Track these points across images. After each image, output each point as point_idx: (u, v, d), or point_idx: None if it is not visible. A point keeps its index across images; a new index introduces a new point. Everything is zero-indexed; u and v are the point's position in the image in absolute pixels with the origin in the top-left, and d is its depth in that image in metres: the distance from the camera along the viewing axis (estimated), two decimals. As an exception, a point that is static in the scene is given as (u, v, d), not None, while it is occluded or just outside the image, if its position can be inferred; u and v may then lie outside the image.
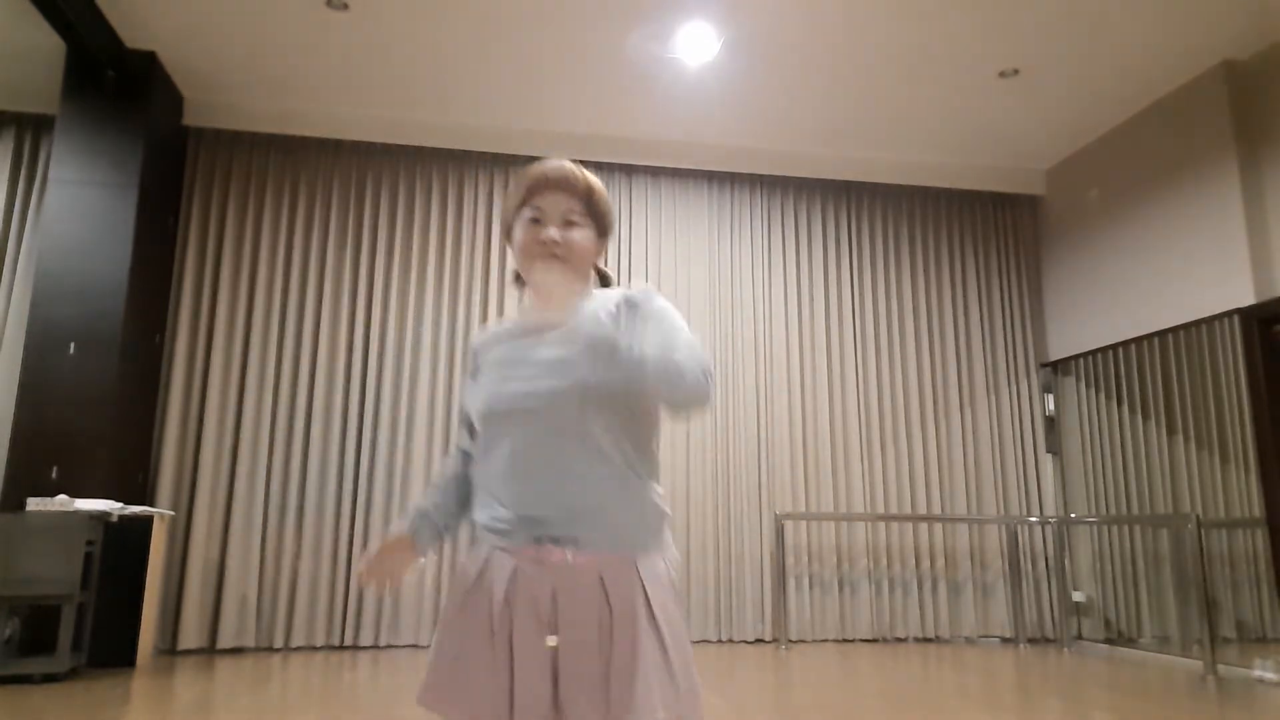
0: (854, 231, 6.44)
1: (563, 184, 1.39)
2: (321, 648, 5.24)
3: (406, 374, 5.61)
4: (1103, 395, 5.91)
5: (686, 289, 6.10)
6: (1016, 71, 5.19)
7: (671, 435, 5.84)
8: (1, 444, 5.04)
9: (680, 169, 6.23)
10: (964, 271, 6.51)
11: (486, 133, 5.92)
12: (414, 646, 5.30)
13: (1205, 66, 5.11)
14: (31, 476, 4.59)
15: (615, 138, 6.07)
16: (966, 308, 6.45)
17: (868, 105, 5.62)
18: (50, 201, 4.88)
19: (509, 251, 1.47)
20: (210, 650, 5.12)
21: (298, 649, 5.22)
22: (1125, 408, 5.70)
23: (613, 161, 6.11)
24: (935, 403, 6.23)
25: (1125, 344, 5.68)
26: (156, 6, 4.64)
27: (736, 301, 6.14)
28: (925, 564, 5.97)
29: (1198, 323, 5.13)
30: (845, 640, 5.77)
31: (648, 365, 1.21)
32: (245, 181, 5.71)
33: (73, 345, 4.74)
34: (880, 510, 6.00)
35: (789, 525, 5.84)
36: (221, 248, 5.59)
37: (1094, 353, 5.98)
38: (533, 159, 6.01)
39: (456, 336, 5.74)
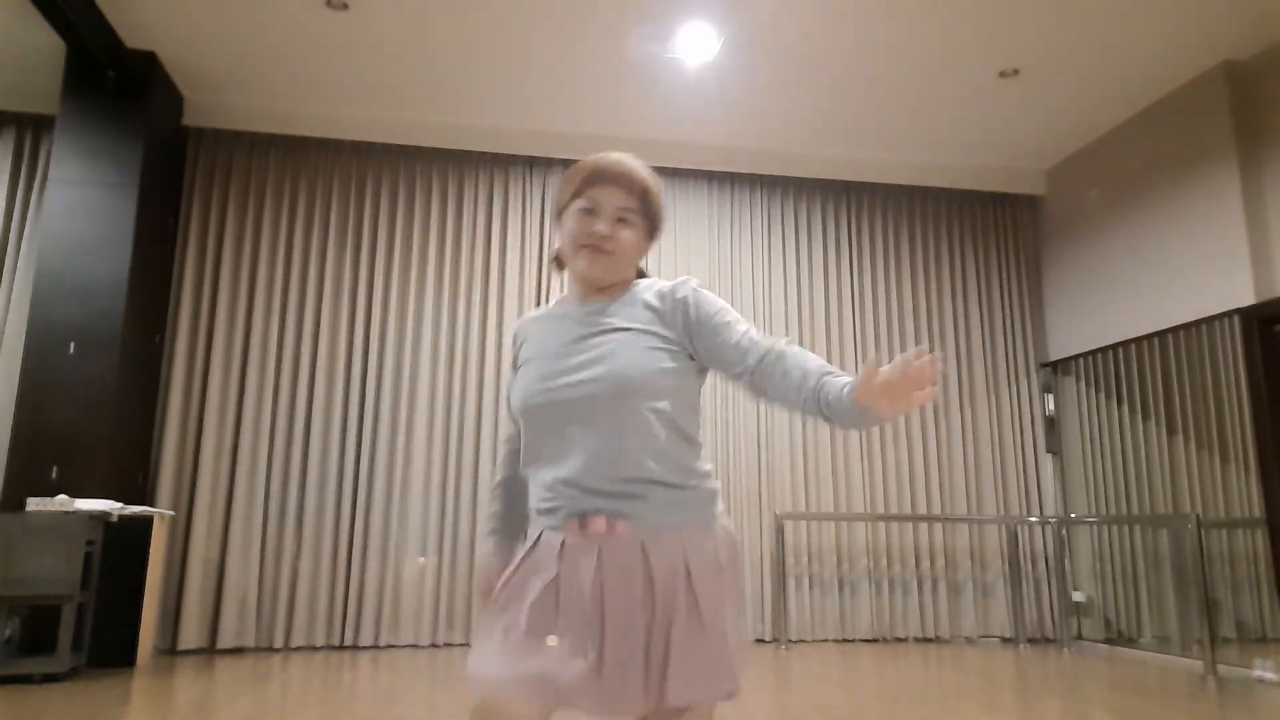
0: (854, 231, 6.44)
1: (620, 179, 1.39)
2: (321, 648, 5.24)
3: (406, 374, 5.61)
4: (1103, 395, 5.91)
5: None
6: (1016, 71, 5.19)
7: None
8: (1, 444, 5.04)
9: (680, 169, 6.23)
10: (964, 271, 6.51)
11: (486, 133, 5.92)
12: (414, 646, 5.30)
13: (1205, 66, 5.11)
14: (31, 476, 4.59)
15: (615, 138, 6.07)
16: (966, 308, 6.45)
17: (867, 105, 5.62)
18: (50, 201, 4.88)
19: (553, 236, 1.50)
20: (210, 650, 5.12)
21: (298, 649, 5.22)
22: (1125, 408, 5.70)
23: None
24: (935, 403, 6.23)
25: (1125, 344, 5.68)
26: (156, 6, 4.64)
27: (737, 301, 6.13)
28: (925, 564, 5.97)
29: (1198, 323, 5.13)
30: (845, 640, 5.77)
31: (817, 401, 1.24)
32: (245, 181, 5.71)
33: (73, 345, 4.74)
34: (880, 510, 6.00)
35: (789, 525, 5.84)
36: (221, 248, 5.59)
37: (1094, 353, 5.98)
38: (533, 159, 6.04)
39: (456, 336, 5.74)
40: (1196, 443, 5.16)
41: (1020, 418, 6.32)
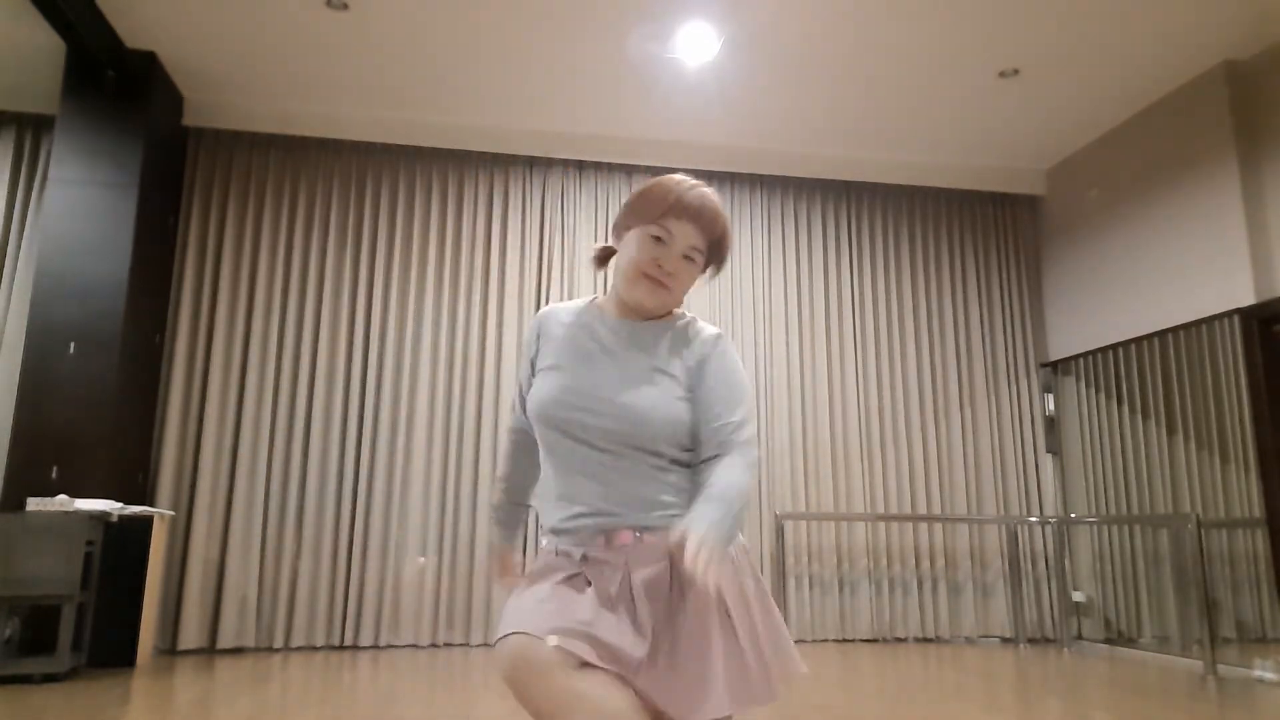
0: (854, 231, 6.44)
1: (700, 219, 1.38)
2: (321, 648, 5.24)
3: (406, 374, 5.61)
4: (1103, 395, 5.91)
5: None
6: (1016, 71, 5.19)
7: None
8: (1, 444, 5.03)
9: (680, 169, 6.20)
10: (964, 271, 6.51)
11: (486, 133, 5.92)
12: (414, 646, 5.30)
13: (1205, 66, 5.11)
14: (31, 476, 4.59)
15: (615, 138, 6.07)
16: (966, 308, 6.45)
17: (867, 105, 5.62)
18: (50, 201, 4.88)
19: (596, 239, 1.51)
20: (210, 650, 5.12)
21: (298, 649, 5.21)
22: (1125, 408, 5.70)
23: (613, 161, 6.11)
24: (935, 403, 6.23)
25: (1125, 344, 5.68)
26: (156, 6, 4.64)
27: (736, 301, 6.13)
28: (925, 564, 5.97)
29: (1198, 323, 5.13)
30: (845, 640, 5.77)
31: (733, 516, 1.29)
32: (245, 181, 5.71)
33: (73, 345, 4.74)
34: (880, 510, 6.00)
35: (789, 525, 5.84)
36: (221, 248, 5.59)
37: (1094, 353, 5.98)
38: (533, 159, 6.04)
39: (456, 336, 5.74)
40: (1196, 443, 5.16)
41: (1020, 418, 6.32)
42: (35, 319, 4.76)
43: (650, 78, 5.29)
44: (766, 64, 5.13)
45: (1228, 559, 4.92)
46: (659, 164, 6.13)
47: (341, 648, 5.25)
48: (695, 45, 4.92)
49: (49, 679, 4.09)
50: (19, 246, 5.45)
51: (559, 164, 6.10)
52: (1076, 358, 6.17)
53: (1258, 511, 4.73)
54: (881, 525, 5.99)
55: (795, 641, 5.73)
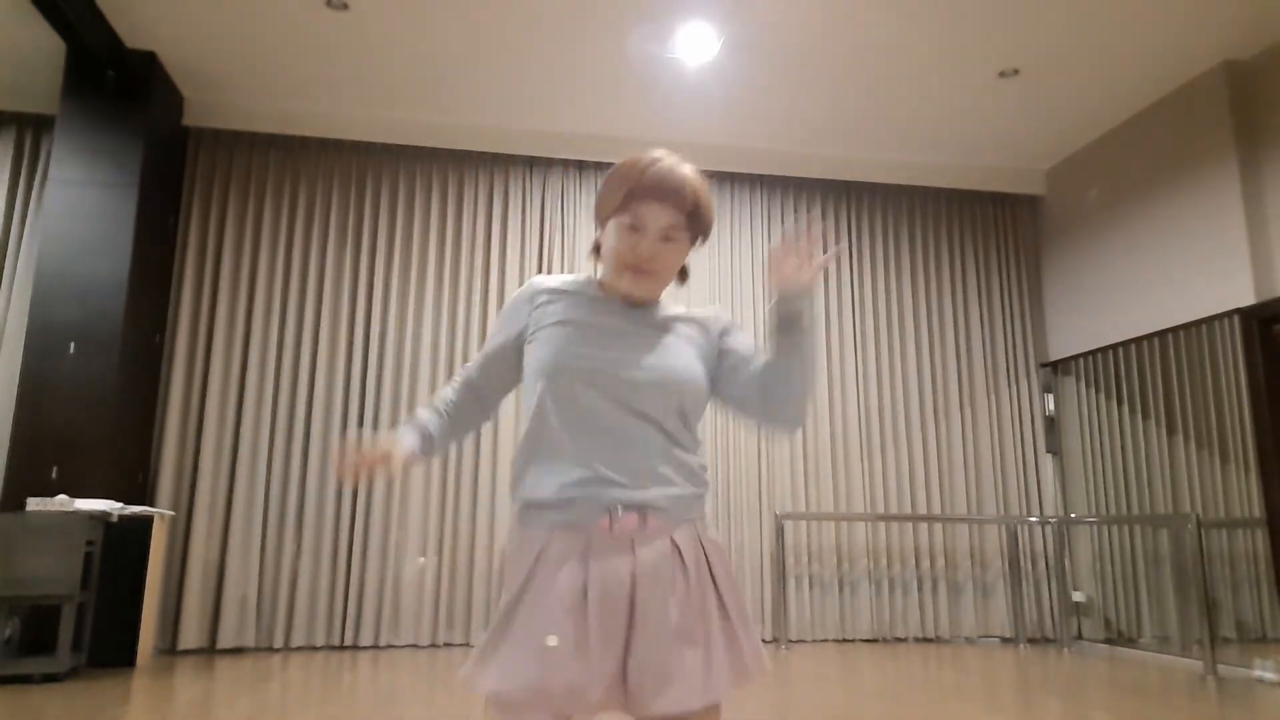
0: (854, 231, 6.44)
1: (667, 196, 1.35)
2: (321, 648, 5.24)
3: (406, 374, 5.61)
4: (1103, 395, 5.91)
5: (686, 289, 6.08)
6: (1016, 71, 5.19)
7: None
8: (1, 444, 5.04)
9: (680, 169, 6.21)
10: (964, 271, 6.51)
11: (486, 133, 5.92)
12: (414, 646, 5.30)
13: (1205, 66, 5.11)
14: (31, 476, 4.59)
15: (615, 138, 6.07)
16: (966, 308, 6.45)
17: (868, 105, 5.62)
18: (50, 201, 4.88)
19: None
20: (210, 650, 5.12)
21: (298, 649, 5.22)
22: (1125, 408, 5.70)
23: (613, 161, 6.08)
24: (935, 403, 6.23)
25: (1125, 344, 5.68)
26: (156, 6, 4.64)
27: (737, 302, 6.14)
28: (925, 564, 5.97)
29: (1198, 323, 5.13)
30: (845, 640, 5.77)
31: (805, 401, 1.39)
32: (245, 181, 5.71)
33: (73, 345, 4.74)
34: (880, 510, 6.00)
35: (789, 525, 5.84)
36: (221, 248, 5.59)
37: (1094, 353, 5.98)
38: (533, 159, 6.03)
39: (456, 336, 5.74)
40: (1196, 443, 5.16)
41: (1020, 418, 6.32)
42: (35, 319, 4.76)
43: (650, 78, 5.29)
44: (766, 64, 5.13)
45: (1228, 559, 4.92)
46: (659, 164, 6.11)
47: (341, 648, 5.25)
48: (695, 45, 4.92)
49: (49, 679, 4.10)
50: (19, 246, 5.45)
51: (559, 164, 6.10)
52: (1076, 358, 6.17)
53: (1258, 511, 4.73)
54: (881, 525, 5.99)
55: (795, 641, 5.75)
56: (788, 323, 1.34)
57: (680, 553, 1.30)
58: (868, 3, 4.54)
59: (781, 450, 5.95)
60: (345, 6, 4.61)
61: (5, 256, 5.42)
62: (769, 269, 1.34)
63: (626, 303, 1.41)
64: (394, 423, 5.53)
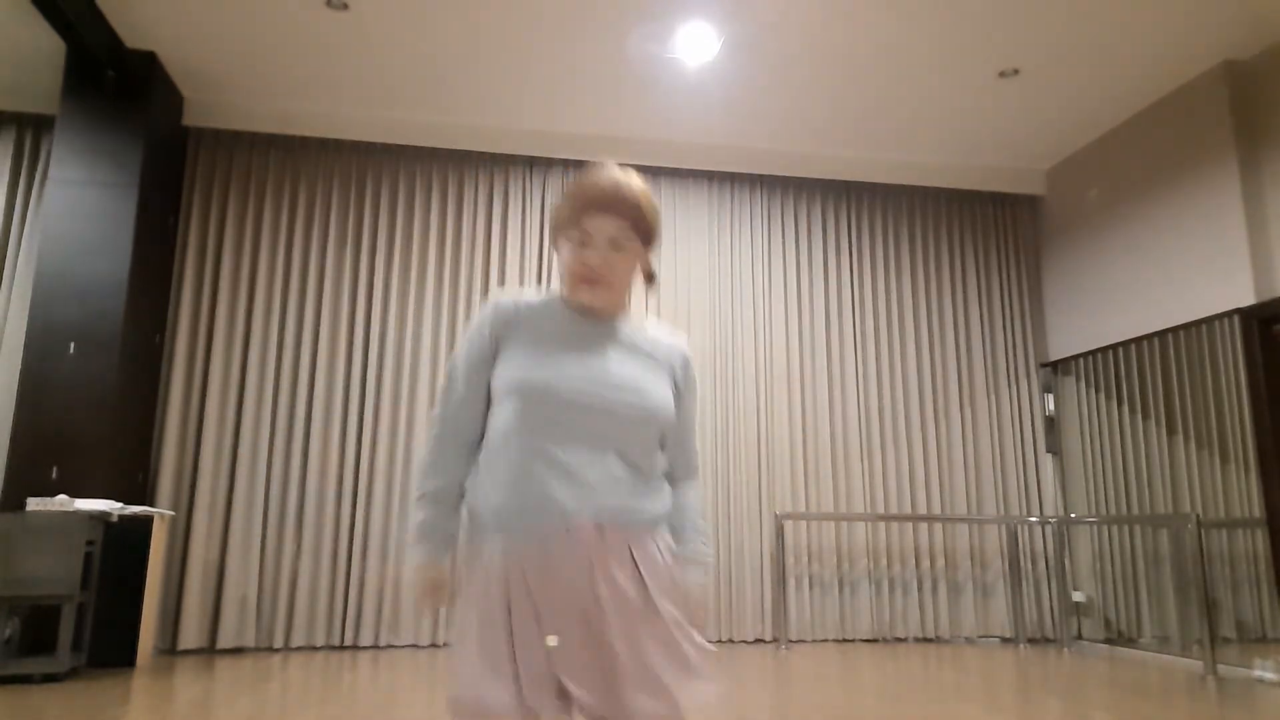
0: (854, 231, 6.44)
1: (611, 206, 1.38)
2: (321, 648, 5.24)
3: (406, 374, 5.61)
4: (1103, 395, 5.91)
5: (687, 289, 6.10)
6: (1016, 71, 5.19)
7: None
8: (1, 444, 5.04)
9: (680, 169, 6.23)
10: (964, 271, 6.51)
11: (486, 133, 5.92)
12: (414, 646, 5.30)
13: (1205, 66, 5.11)
14: (31, 476, 4.59)
15: (615, 138, 6.07)
16: (966, 308, 6.45)
17: (868, 105, 5.62)
18: (50, 201, 4.88)
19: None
20: (210, 650, 5.12)
21: (298, 649, 5.21)
22: (1125, 408, 5.70)
23: (613, 161, 6.09)
24: (935, 403, 6.23)
25: (1125, 344, 5.68)
26: (156, 6, 4.64)
27: (736, 301, 6.14)
28: (925, 564, 5.97)
29: (1198, 323, 5.13)
30: (845, 640, 5.77)
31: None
32: (245, 181, 5.71)
33: (73, 345, 4.74)
34: (880, 510, 6.00)
35: (789, 525, 5.84)
36: (221, 248, 5.59)
37: (1094, 353, 5.98)
38: (533, 159, 6.04)
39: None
40: (1196, 443, 5.16)
41: (1020, 418, 6.32)
42: (35, 319, 4.76)
43: (650, 78, 5.29)
44: (766, 64, 5.13)
45: (1228, 559, 4.92)
46: (659, 164, 6.13)
47: (341, 648, 5.25)
48: (695, 45, 4.92)
49: (49, 679, 4.10)
50: (19, 246, 5.46)
51: (559, 164, 6.10)
52: (1076, 358, 6.17)
53: (1258, 511, 4.73)
54: (881, 525, 5.99)
55: (795, 641, 5.74)
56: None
57: (636, 561, 1.32)
58: (868, 3, 4.54)
59: (781, 450, 5.95)
60: (345, 6, 4.61)
61: (5, 256, 5.42)
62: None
63: (591, 317, 1.43)
64: (394, 423, 5.54)
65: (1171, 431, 5.33)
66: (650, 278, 1.51)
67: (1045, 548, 6.11)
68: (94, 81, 4.99)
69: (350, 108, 5.74)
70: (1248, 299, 4.82)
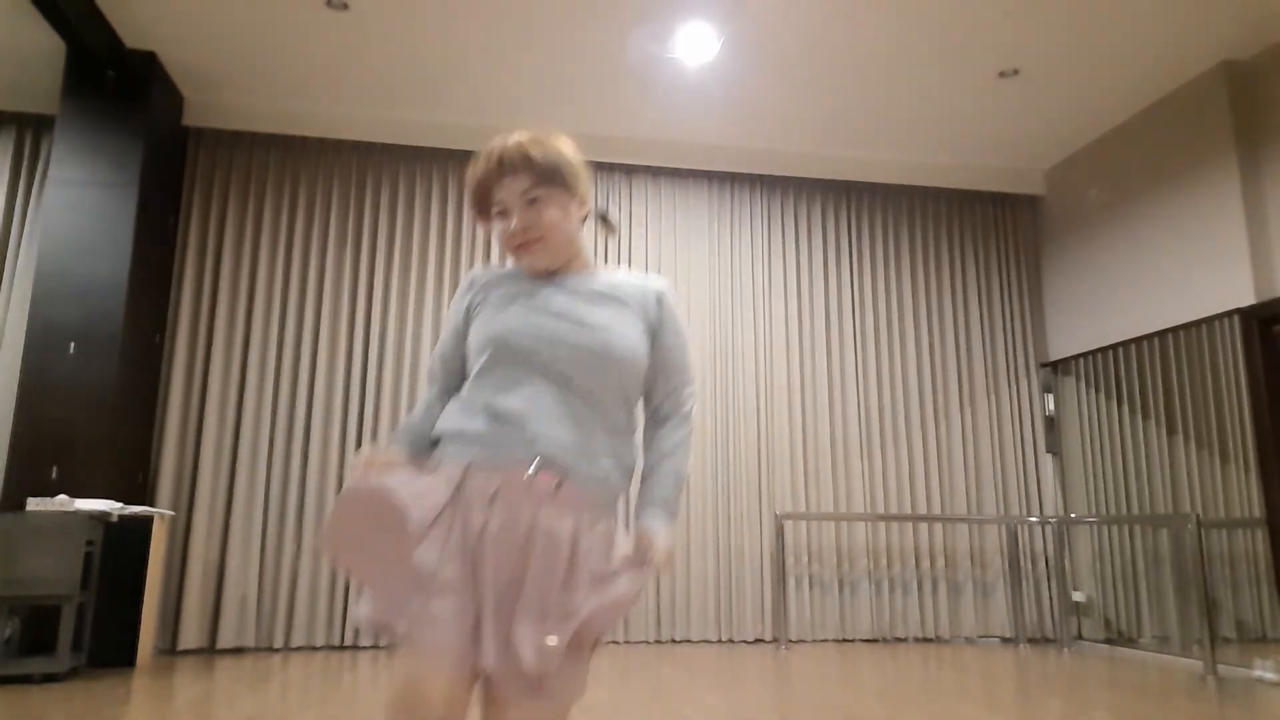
0: (854, 231, 6.44)
1: (508, 167, 1.38)
2: (321, 648, 5.24)
3: (406, 374, 5.61)
4: (1103, 395, 5.91)
5: (686, 289, 6.10)
6: (1016, 71, 5.19)
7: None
8: (1, 444, 5.03)
9: (680, 169, 6.23)
10: (964, 271, 6.51)
11: (486, 133, 5.86)
12: (414, 646, 5.29)
13: (1205, 66, 5.11)
14: (31, 476, 4.59)
15: (615, 138, 6.07)
16: (966, 308, 6.45)
17: (868, 105, 5.62)
18: (50, 201, 4.88)
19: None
20: (210, 650, 5.12)
21: (298, 649, 5.21)
22: (1125, 408, 5.70)
23: (613, 161, 6.11)
24: (935, 403, 6.23)
25: (1125, 344, 5.68)
26: (156, 6, 4.64)
27: (736, 301, 6.14)
28: (925, 564, 5.97)
29: (1198, 323, 5.13)
30: (845, 640, 5.77)
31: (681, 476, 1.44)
32: (245, 181, 5.71)
33: (73, 345, 4.74)
34: (880, 510, 6.00)
35: (789, 525, 5.84)
36: (221, 248, 5.59)
37: (1094, 353, 5.98)
38: (533, 159, 6.02)
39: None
40: (1196, 443, 5.16)
41: (1020, 418, 6.32)
42: (35, 319, 4.76)
43: (650, 78, 5.29)
44: (766, 64, 5.13)
45: (1228, 559, 4.92)
46: (659, 164, 6.13)
47: (341, 648, 5.25)
48: (695, 45, 4.92)
49: (49, 679, 4.10)
50: (19, 246, 5.46)
51: (559, 164, 6.09)
52: (1076, 358, 6.17)
53: (1258, 511, 4.73)
54: (881, 525, 5.99)
55: (795, 641, 5.74)
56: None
57: (578, 530, 1.29)
58: (868, 3, 4.54)
59: (781, 450, 5.95)
60: (345, 6, 4.61)
61: (5, 256, 5.42)
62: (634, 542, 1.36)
63: (553, 279, 1.43)
64: (394, 423, 5.54)
65: (1171, 431, 5.33)
66: (604, 221, 1.52)
67: (1045, 548, 6.11)
68: (94, 81, 4.99)
69: (350, 108, 5.74)
70: (1248, 299, 4.82)
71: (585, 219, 1.49)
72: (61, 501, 4.32)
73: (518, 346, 1.33)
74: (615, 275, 1.47)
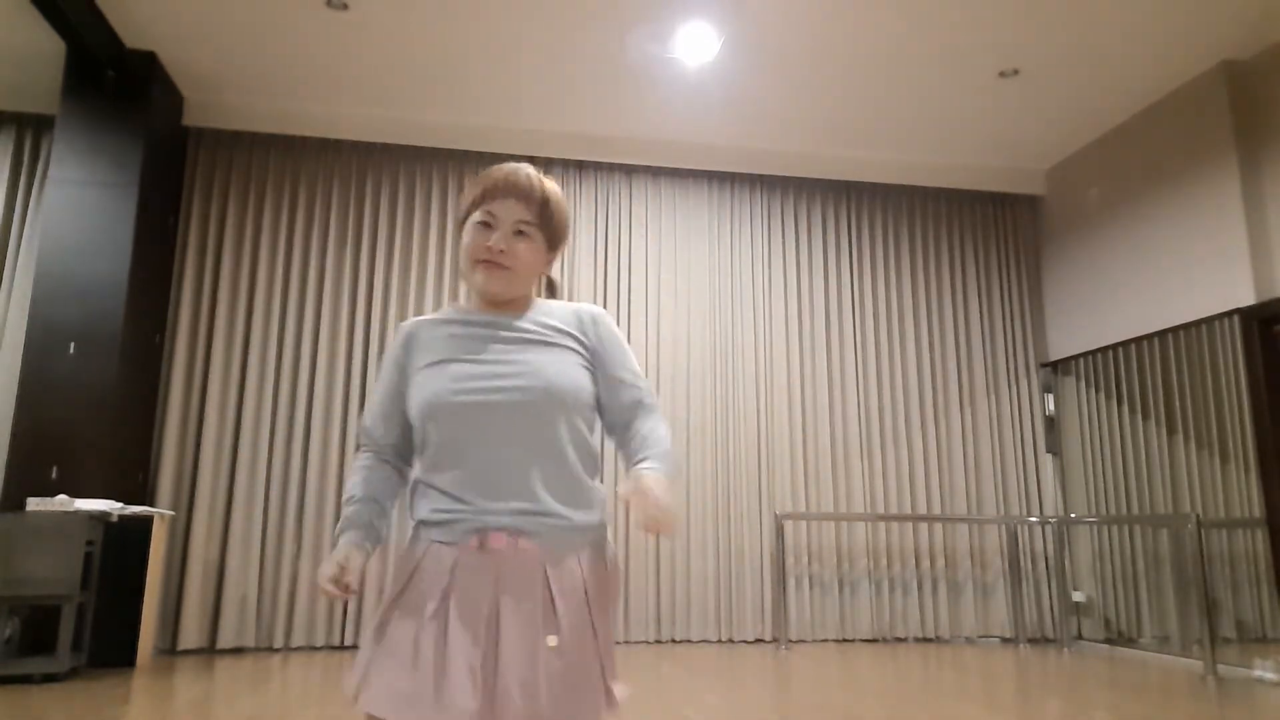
0: (854, 231, 6.44)
1: (517, 191, 1.38)
2: (321, 648, 5.24)
3: (406, 374, 5.60)
4: (1103, 395, 5.91)
5: (686, 289, 6.10)
6: (1016, 71, 5.19)
7: (672, 433, 5.82)
8: (1, 444, 5.03)
9: (680, 169, 6.23)
10: (964, 271, 6.51)
11: (486, 133, 5.92)
12: (414, 646, 5.29)
13: (1205, 66, 5.11)
14: (31, 476, 4.59)
15: (615, 138, 6.07)
16: (966, 308, 6.45)
17: (868, 105, 5.62)
18: (50, 201, 4.88)
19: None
20: (210, 650, 5.12)
21: (298, 649, 5.22)
22: (1125, 408, 5.70)
23: (613, 161, 6.11)
24: (935, 403, 6.23)
25: (1125, 344, 5.68)
26: (156, 6, 4.64)
27: (736, 301, 6.14)
28: (925, 564, 5.97)
29: (1198, 323, 5.13)
30: (845, 640, 5.77)
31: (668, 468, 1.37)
32: (245, 181, 5.71)
33: (73, 345, 4.74)
34: (880, 510, 6.00)
35: (789, 525, 5.84)
36: (221, 248, 5.59)
37: (1094, 353, 5.98)
38: (533, 159, 6.04)
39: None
40: (1196, 443, 5.16)
41: (1020, 418, 6.32)
42: (35, 319, 4.76)
43: (650, 78, 5.29)
44: (766, 64, 5.13)
45: (1228, 559, 4.92)
46: (659, 164, 6.13)
47: (342, 648, 5.25)
48: (695, 45, 4.92)
49: (49, 679, 4.10)
50: (19, 246, 5.45)
51: (559, 164, 6.10)
52: (1076, 358, 6.17)
53: (1258, 511, 4.73)
54: (881, 525, 5.99)
55: (795, 641, 5.73)
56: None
57: (549, 581, 1.28)
58: (868, 3, 4.54)
59: (781, 450, 5.95)
60: (345, 6, 4.61)
61: (5, 256, 5.42)
62: (635, 508, 1.28)
63: (493, 311, 1.41)
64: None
65: (1171, 431, 5.33)
66: (552, 286, 1.50)
67: (1045, 548, 6.11)
68: (94, 81, 4.99)
69: (350, 108, 5.74)
70: (1248, 299, 4.82)
71: (542, 274, 1.49)
72: (61, 501, 4.32)
73: (450, 408, 1.31)
74: (551, 308, 1.45)
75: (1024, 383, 6.37)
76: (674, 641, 5.59)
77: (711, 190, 6.30)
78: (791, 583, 5.79)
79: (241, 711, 3.45)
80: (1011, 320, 6.49)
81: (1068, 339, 6.27)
